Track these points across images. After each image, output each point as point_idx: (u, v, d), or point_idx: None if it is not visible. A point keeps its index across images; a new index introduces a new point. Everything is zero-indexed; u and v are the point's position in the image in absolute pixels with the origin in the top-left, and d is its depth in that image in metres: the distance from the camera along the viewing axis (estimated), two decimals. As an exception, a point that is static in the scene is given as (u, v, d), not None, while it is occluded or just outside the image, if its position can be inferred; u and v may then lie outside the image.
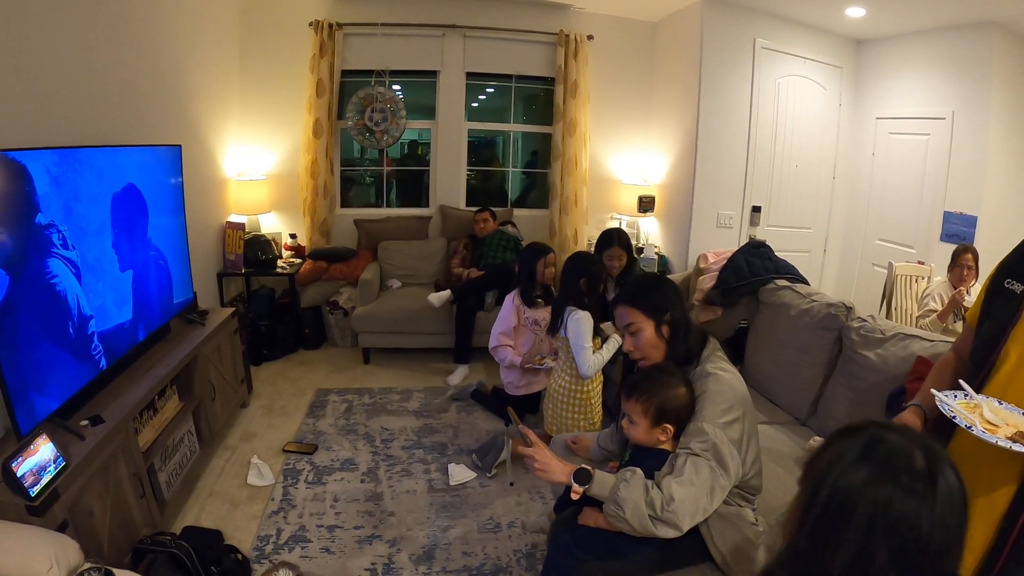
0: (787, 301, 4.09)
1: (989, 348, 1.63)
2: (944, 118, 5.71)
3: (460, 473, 3.91)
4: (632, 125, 6.89)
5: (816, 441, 3.31)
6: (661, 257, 6.38)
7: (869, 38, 6.43)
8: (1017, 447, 1.37)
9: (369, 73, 6.26)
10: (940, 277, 5.19)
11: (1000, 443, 1.38)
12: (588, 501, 2.32)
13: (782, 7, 5.79)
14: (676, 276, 5.56)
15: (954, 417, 1.48)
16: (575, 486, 1.98)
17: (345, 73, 6.24)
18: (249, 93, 6.04)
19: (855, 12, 5.57)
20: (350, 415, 4.69)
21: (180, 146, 3.93)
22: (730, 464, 2.08)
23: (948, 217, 5.65)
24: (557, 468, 2.01)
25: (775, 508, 2.77)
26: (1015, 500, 1.53)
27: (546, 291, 4.34)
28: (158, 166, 3.64)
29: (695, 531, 2.29)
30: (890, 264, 5.50)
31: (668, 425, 2.23)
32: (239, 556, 2.96)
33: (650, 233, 6.85)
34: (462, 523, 3.48)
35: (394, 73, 6.39)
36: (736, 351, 4.31)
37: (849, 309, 3.70)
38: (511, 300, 4.32)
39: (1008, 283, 1.71)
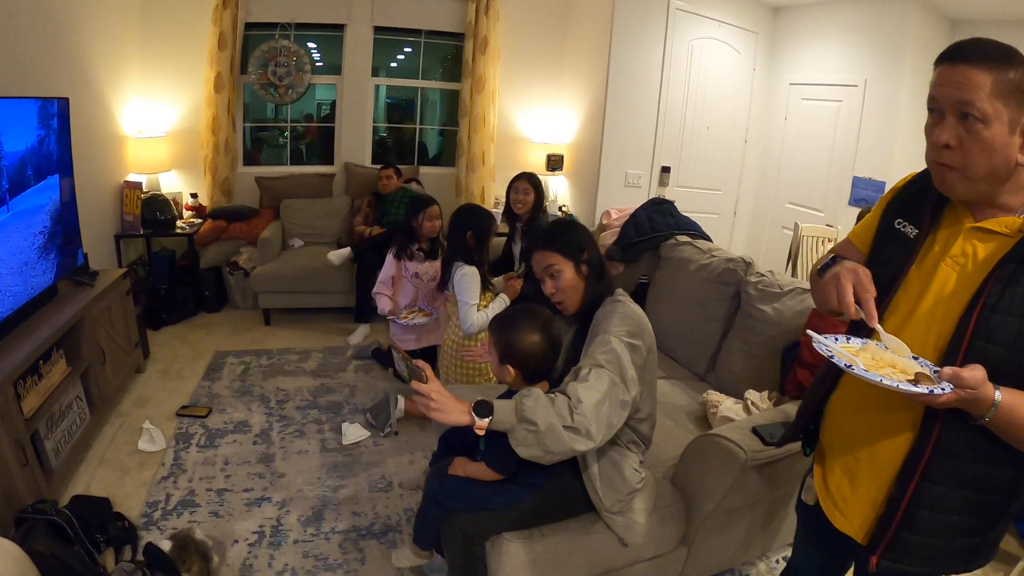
0: (687, 256, 4.06)
1: (881, 294, 1.53)
2: (856, 85, 5.79)
3: (353, 432, 3.81)
4: (543, 83, 6.77)
5: (709, 395, 3.30)
6: (569, 216, 6.29)
7: (786, 5, 6.45)
8: (905, 387, 1.27)
9: (274, 26, 5.99)
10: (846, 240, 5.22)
11: (884, 382, 1.27)
12: (459, 451, 2.24)
13: (699, -31, 5.74)
14: (582, 234, 5.49)
15: (832, 357, 1.36)
16: (477, 421, 1.79)
17: (249, 26, 5.95)
18: (150, 45, 5.67)
19: (773, -22, 5.56)
20: (246, 377, 4.53)
21: (68, 99, 3.61)
22: (631, 384, 2.02)
23: (857, 182, 5.73)
24: (454, 406, 1.82)
25: (663, 461, 2.76)
26: (906, 462, 1.48)
27: (432, 244, 4.20)
28: (33, 120, 3.33)
29: (573, 480, 2.27)
30: (796, 225, 5.55)
31: (510, 367, 2.19)
32: (125, 523, 2.88)
33: (559, 192, 6.79)
34: (353, 482, 3.41)
35: (301, 27, 6.12)
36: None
37: (748, 264, 3.68)
38: (391, 250, 4.20)
39: (899, 224, 1.62)
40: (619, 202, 5.66)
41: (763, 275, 3.56)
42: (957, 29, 5.78)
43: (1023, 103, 1.32)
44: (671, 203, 4.79)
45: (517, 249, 4.64)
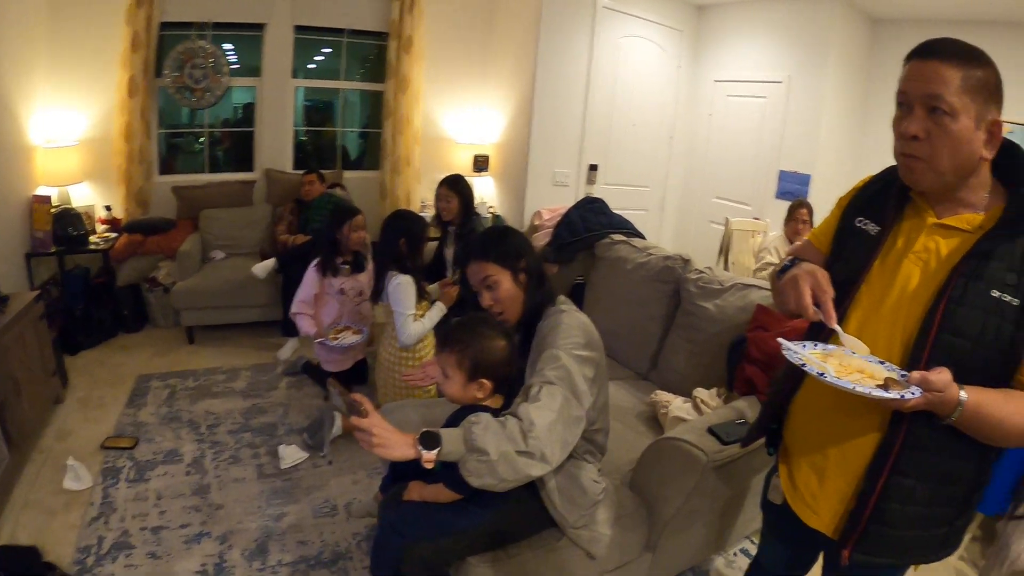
0: (623, 255, 4.03)
1: (842, 293, 1.56)
2: (781, 82, 5.98)
3: (291, 455, 3.62)
4: (468, 82, 6.70)
5: (658, 395, 3.27)
6: (496, 217, 6.26)
7: (711, 3, 6.58)
8: (877, 392, 1.30)
9: (191, 26, 5.72)
10: (776, 232, 5.32)
11: (858, 389, 1.30)
12: (414, 475, 2.14)
13: (626, -32, 5.76)
14: (514, 234, 5.42)
15: (803, 365, 1.40)
16: (425, 454, 1.68)
17: (165, 26, 5.61)
18: (59, 48, 5.28)
19: (698, -22, 5.67)
20: (173, 402, 4.27)
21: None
22: (584, 398, 1.97)
23: (783, 176, 5.90)
24: (398, 440, 1.69)
25: (619, 467, 2.72)
26: (876, 457, 1.50)
27: (356, 257, 4.02)
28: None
29: (533, 497, 2.20)
30: (727, 219, 5.61)
31: (485, 380, 2.08)
32: (57, 574, 2.66)
33: (486, 193, 6.70)
34: (295, 509, 3.23)
35: (219, 27, 5.85)
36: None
37: (686, 261, 3.68)
38: (313, 265, 3.97)
39: (861, 222, 1.65)
40: (547, 202, 5.63)
41: (702, 272, 3.57)
42: (878, 27, 6.06)
43: (989, 100, 1.38)
44: (603, 201, 4.77)
45: (450, 253, 4.53)
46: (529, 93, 5.81)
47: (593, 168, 6.19)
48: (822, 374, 1.35)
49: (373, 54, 6.67)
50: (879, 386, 1.33)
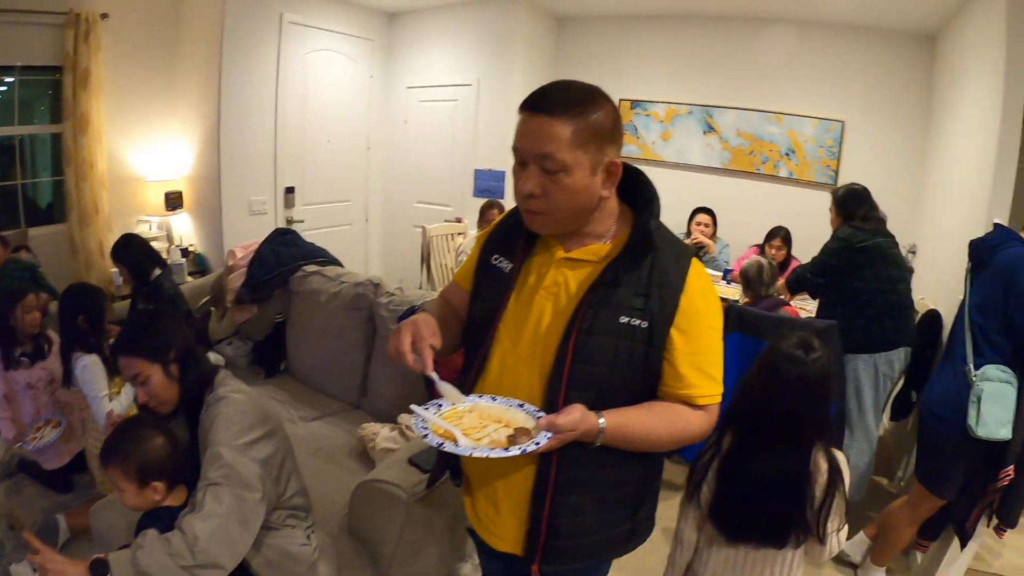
0: (317, 287, 3.96)
1: (483, 332, 1.59)
2: (471, 84, 6.20)
3: (25, 574, 3.05)
4: (155, 115, 6.10)
5: (364, 429, 3.24)
6: (198, 256, 5.90)
7: (401, 10, 6.62)
8: (496, 453, 1.31)
9: None
10: (475, 231, 5.46)
11: (476, 453, 1.30)
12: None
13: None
14: (210, 277, 5.16)
15: (426, 436, 1.36)
16: None
17: None
18: None
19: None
20: None
21: None
22: (258, 485, 1.92)
23: (479, 175, 6.12)
24: (72, 571, 1.64)
25: (335, 513, 2.66)
26: (536, 484, 1.53)
27: (36, 341, 3.50)
28: None
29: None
30: (423, 228, 5.68)
31: (157, 483, 1.97)
32: None
33: (184, 231, 6.24)
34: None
35: None
36: (278, 347, 4.13)
37: (376, 285, 3.67)
38: None
39: (496, 259, 1.66)
40: (245, 234, 5.39)
41: (392, 294, 3.58)
42: (564, 24, 6.49)
43: (604, 144, 1.41)
44: (295, 232, 4.63)
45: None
46: (215, 120, 5.50)
47: (290, 191, 6.01)
48: (441, 444, 1.33)
49: (53, 89, 5.96)
50: (504, 442, 1.35)
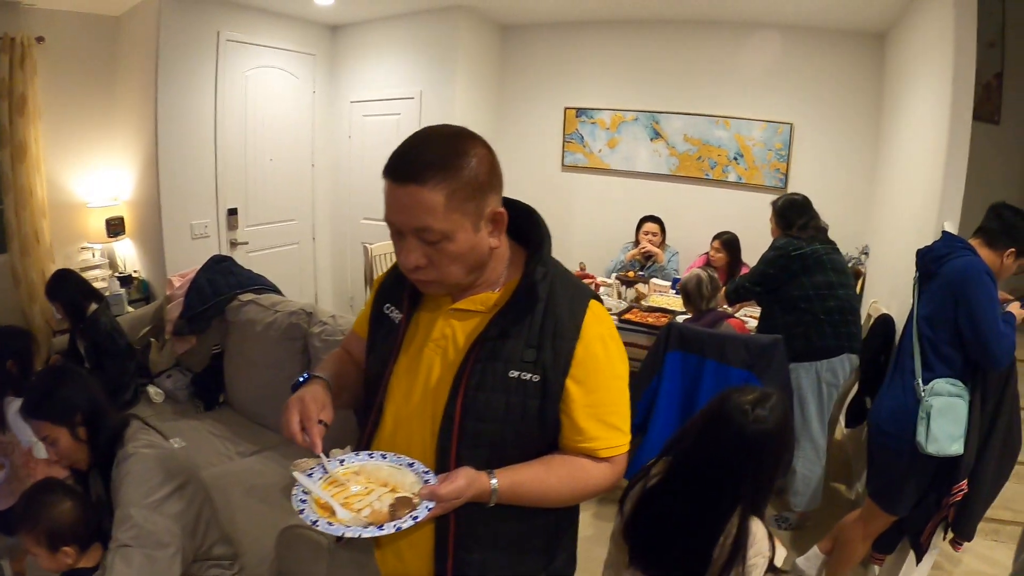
0: (252, 317, 3.86)
1: (376, 386, 1.51)
2: (413, 97, 6.11)
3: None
4: (95, 139, 5.95)
5: (300, 464, 3.14)
6: (142, 282, 5.78)
7: (343, 23, 6.52)
8: (369, 533, 1.21)
9: None
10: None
11: (348, 534, 1.21)
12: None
13: (247, -4, 5.56)
14: (149, 307, 5.04)
15: (302, 512, 1.27)
16: None
17: None
18: None
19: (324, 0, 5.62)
20: None
21: None
22: (171, 541, 1.90)
23: None
24: None
25: (263, 558, 2.57)
26: (437, 543, 1.46)
27: None
28: None
29: None
30: (365, 248, 5.63)
31: (67, 548, 1.95)
32: None
33: (128, 257, 6.11)
34: None
35: None
36: (217, 379, 4.02)
37: (310, 315, 3.60)
38: None
39: (388, 309, 1.58)
40: (189, 259, 5.26)
41: (325, 323, 3.50)
42: (508, 33, 6.43)
43: (484, 196, 1.31)
44: (231, 260, 4.53)
45: (83, 345, 4.07)
46: (153, 143, 5.36)
47: (233, 212, 5.88)
48: (315, 522, 1.24)
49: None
50: (391, 506, 1.28)
